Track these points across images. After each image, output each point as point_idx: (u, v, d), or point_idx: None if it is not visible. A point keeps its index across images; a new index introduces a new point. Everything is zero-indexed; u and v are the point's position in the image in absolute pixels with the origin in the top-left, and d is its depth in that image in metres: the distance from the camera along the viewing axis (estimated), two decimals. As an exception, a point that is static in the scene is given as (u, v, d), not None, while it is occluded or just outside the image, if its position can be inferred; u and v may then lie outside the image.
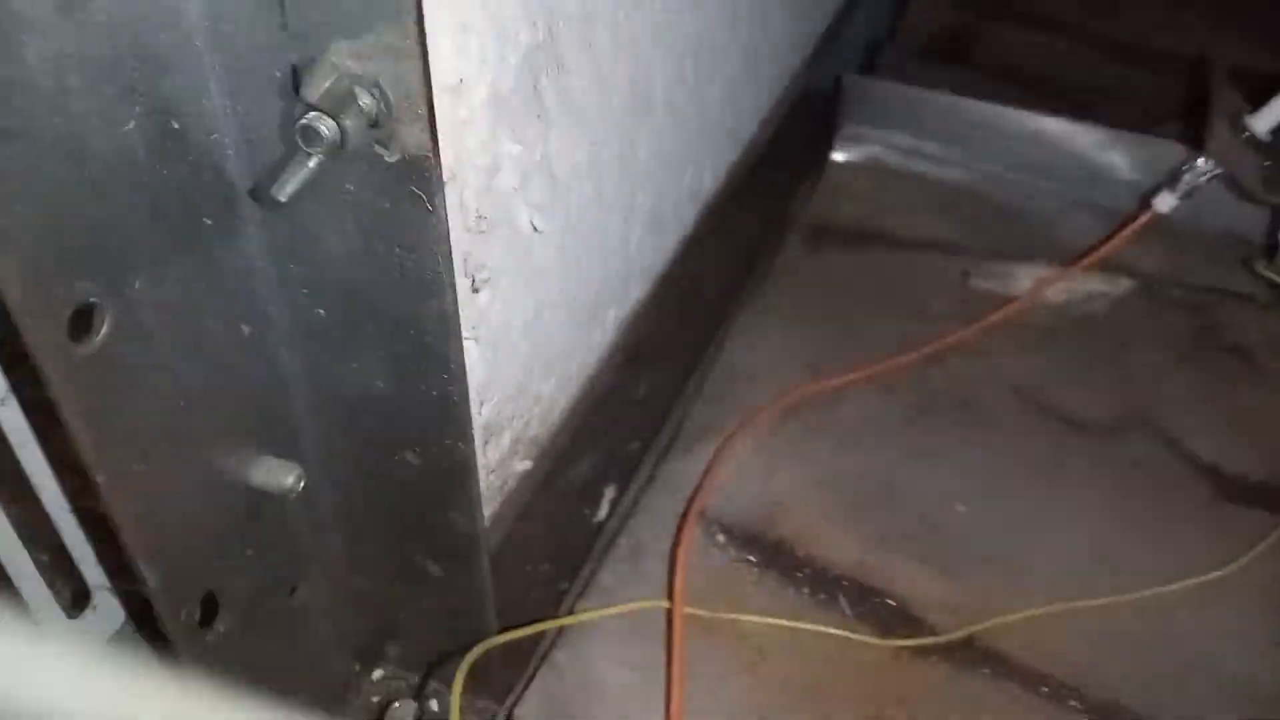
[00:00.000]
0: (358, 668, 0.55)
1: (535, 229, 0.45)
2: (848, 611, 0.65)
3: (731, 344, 0.83)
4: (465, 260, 0.40)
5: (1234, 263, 0.89)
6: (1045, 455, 0.75)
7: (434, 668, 0.56)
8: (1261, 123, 0.72)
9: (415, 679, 0.56)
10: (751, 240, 0.96)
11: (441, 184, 0.37)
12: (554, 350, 0.53)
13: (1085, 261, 0.83)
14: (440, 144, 0.36)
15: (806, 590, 0.66)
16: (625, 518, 0.70)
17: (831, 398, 0.78)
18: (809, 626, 0.63)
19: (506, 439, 0.51)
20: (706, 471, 0.71)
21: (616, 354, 0.64)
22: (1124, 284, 0.91)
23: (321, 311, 0.40)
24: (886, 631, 0.63)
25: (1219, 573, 0.67)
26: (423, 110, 0.34)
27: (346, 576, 0.54)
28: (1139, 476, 0.74)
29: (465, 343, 0.44)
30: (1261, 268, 0.83)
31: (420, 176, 0.36)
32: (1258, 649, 0.63)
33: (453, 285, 0.39)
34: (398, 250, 0.37)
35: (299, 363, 0.42)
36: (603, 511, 0.72)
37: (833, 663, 0.62)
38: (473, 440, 0.46)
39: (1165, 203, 0.75)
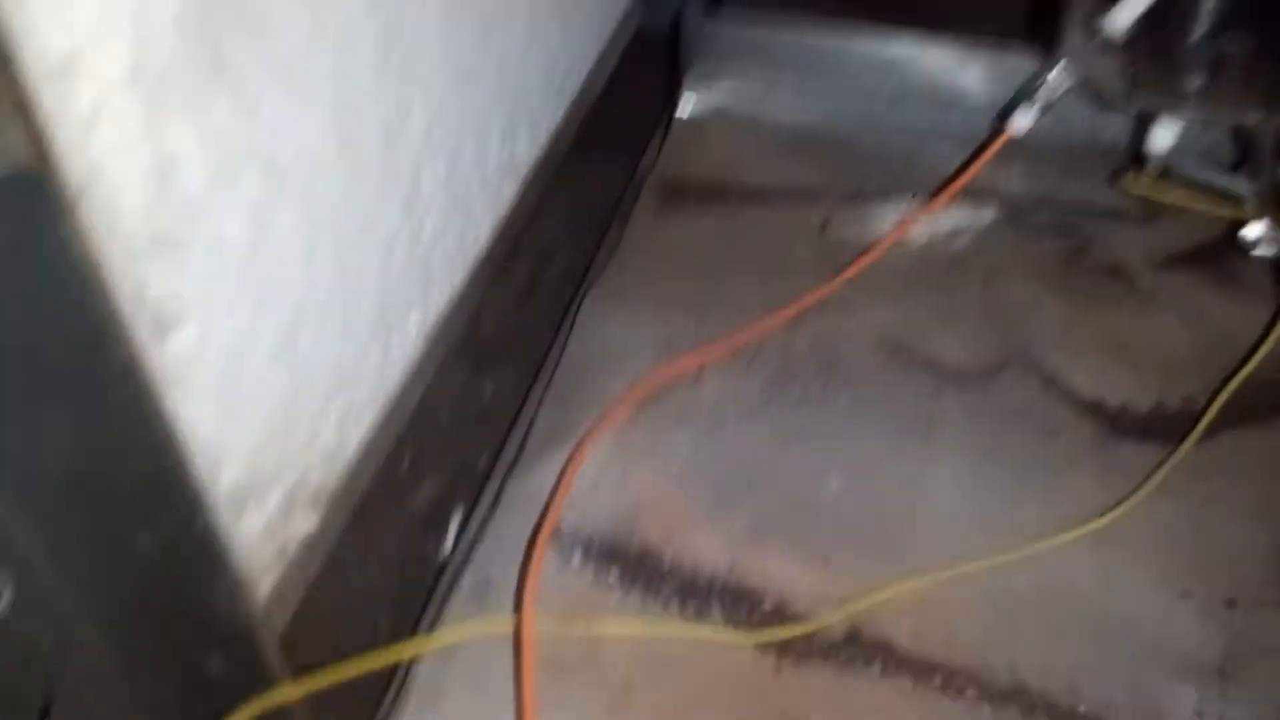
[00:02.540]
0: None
1: (253, 236, 0.36)
2: (722, 620, 0.58)
3: (579, 330, 0.76)
4: (140, 293, 0.32)
5: (1102, 178, 0.85)
6: (918, 413, 0.69)
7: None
8: (1116, 22, 0.66)
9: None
10: (593, 209, 0.88)
11: (72, 200, 0.28)
12: (326, 377, 0.45)
13: (945, 195, 0.77)
14: (60, 145, 0.27)
15: (676, 602, 0.59)
16: (470, 549, 0.62)
17: (690, 379, 0.72)
18: (680, 645, 0.57)
19: (275, 497, 0.43)
20: (557, 483, 0.64)
21: (429, 363, 0.56)
22: (989, 214, 0.86)
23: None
24: (766, 637, 0.57)
25: (1109, 516, 0.62)
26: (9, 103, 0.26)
27: (117, 683, 0.45)
28: (1019, 423, 0.69)
29: (174, 395, 0.35)
30: (1130, 181, 0.79)
31: (34, 195, 0.27)
32: (1160, 598, 0.59)
33: (125, 329, 0.31)
34: (36, 293, 0.29)
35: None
36: (447, 545, 0.64)
37: (709, 684, 0.56)
38: (213, 510, 0.38)
39: (1022, 121, 0.70)
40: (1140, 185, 0.76)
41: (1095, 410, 0.70)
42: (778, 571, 0.61)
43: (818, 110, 0.95)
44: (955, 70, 0.92)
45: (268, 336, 0.40)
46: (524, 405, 0.72)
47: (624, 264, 0.82)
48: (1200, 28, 0.63)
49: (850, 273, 0.78)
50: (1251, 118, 0.61)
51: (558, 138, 0.70)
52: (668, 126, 0.96)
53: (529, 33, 0.61)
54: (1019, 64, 0.87)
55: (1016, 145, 0.82)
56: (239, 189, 0.36)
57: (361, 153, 0.44)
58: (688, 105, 0.97)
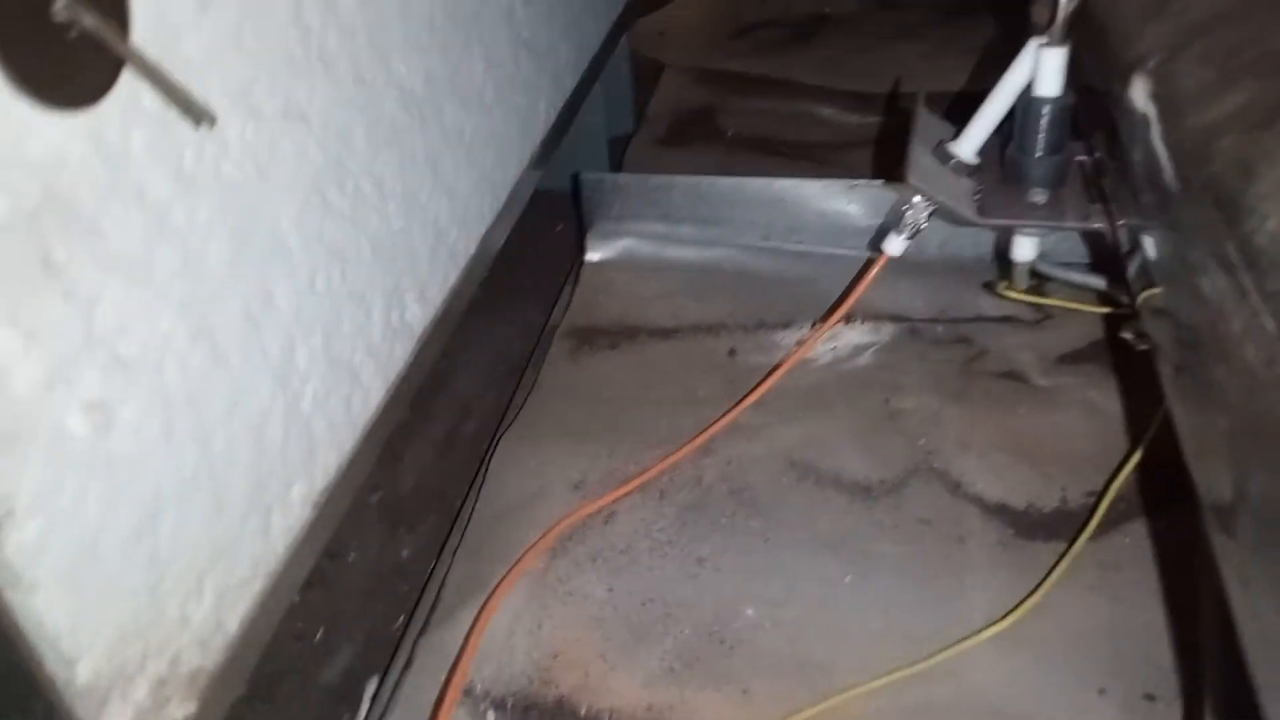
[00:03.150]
0: None
1: (96, 430, 0.37)
2: (641, 767, 0.57)
3: (493, 478, 0.76)
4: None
5: (994, 283, 0.89)
6: (830, 532, 0.70)
7: None
8: (964, 147, 0.71)
9: None
10: (503, 358, 0.91)
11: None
12: (196, 559, 0.45)
13: (835, 317, 0.80)
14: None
15: (593, 753, 0.58)
16: (382, 716, 0.61)
17: (602, 518, 0.72)
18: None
19: (143, 686, 0.43)
20: (468, 639, 0.64)
21: (321, 532, 0.56)
22: (887, 330, 0.89)
23: None
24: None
25: (1018, 617, 0.62)
26: None
27: None
28: (928, 532, 0.70)
29: (18, 591, 0.35)
30: (1003, 289, 0.83)
31: None
32: (1077, 696, 0.59)
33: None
34: None
35: None
36: (361, 715, 0.63)
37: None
38: (69, 705, 0.38)
39: (895, 245, 0.74)
40: (1016, 292, 0.80)
41: (1001, 512, 0.71)
42: (697, 709, 0.60)
43: (718, 248, 1.00)
44: (841, 201, 0.97)
45: (122, 524, 0.40)
46: (438, 560, 0.71)
47: (537, 408, 0.83)
48: (1041, 144, 0.67)
49: (756, 396, 0.80)
50: (1094, 225, 0.65)
51: (454, 297, 0.73)
52: (577, 274, 0.99)
53: (407, 208, 0.64)
54: (889, 191, 0.93)
55: (907, 261, 0.86)
56: (76, 386, 0.37)
57: (220, 337, 0.45)
58: (595, 253, 1.01)
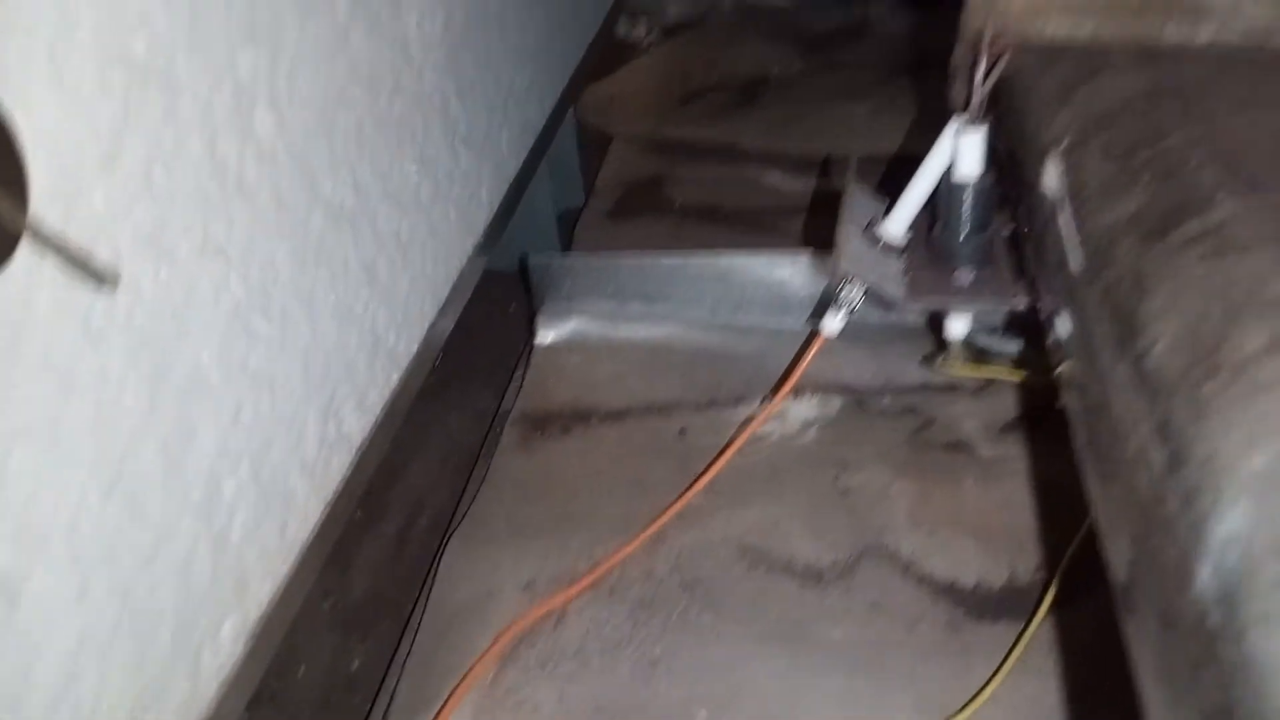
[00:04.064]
0: None
1: (8, 603, 0.37)
2: None
3: (441, 582, 0.75)
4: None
5: (932, 357, 0.89)
6: (781, 622, 0.70)
7: None
8: (893, 227, 0.72)
9: None
10: (451, 453, 0.90)
11: None
12: (122, 707, 0.44)
13: (781, 396, 0.80)
14: None
15: None
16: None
17: (553, 620, 0.71)
18: None
19: None
20: (417, 757, 0.62)
21: (255, 665, 0.55)
22: (835, 404, 0.90)
23: None
24: None
25: (974, 706, 0.62)
26: None
27: None
28: (880, 617, 0.70)
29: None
30: (939, 365, 0.83)
31: None
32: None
33: None
34: None
35: None
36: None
37: None
38: None
39: (832, 324, 0.74)
40: (952, 366, 0.81)
41: (950, 592, 0.71)
42: (650, 821, 0.59)
43: (668, 324, 1.00)
44: (786, 273, 0.98)
45: (42, 682, 0.39)
46: (388, 671, 0.70)
47: (487, 503, 0.83)
48: (965, 224, 0.68)
49: (706, 480, 0.80)
50: (1020, 304, 0.66)
51: (396, 398, 0.73)
52: (527, 359, 0.99)
53: (340, 321, 0.64)
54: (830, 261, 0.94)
55: (853, 328, 0.87)
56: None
57: (137, 487, 0.45)
58: (545, 334, 1.01)
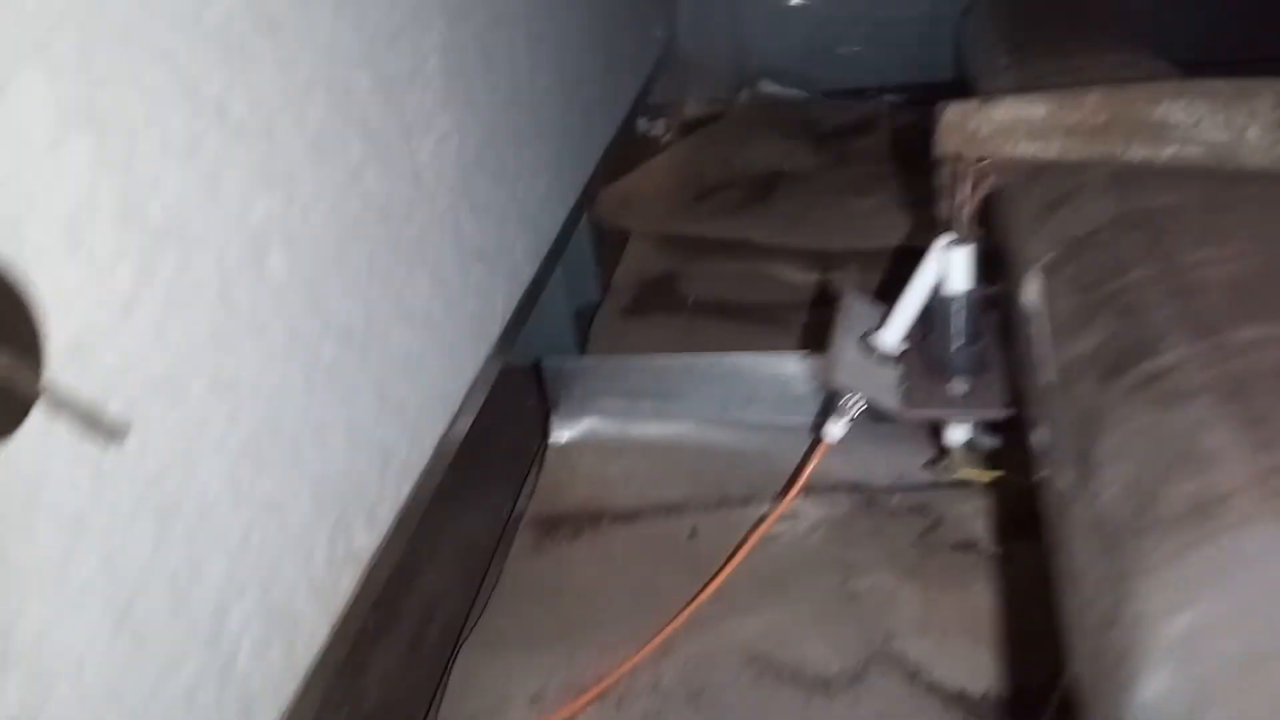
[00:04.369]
0: None
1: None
2: None
3: (453, 693, 0.76)
4: None
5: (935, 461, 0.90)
6: (788, 734, 0.69)
7: None
8: (888, 338, 0.74)
9: None
10: (464, 558, 0.92)
11: None
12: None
13: (788, 500, 0.81)
14: None
15: None
16: None
17: (560, 732, 0.72)
18: None
19: None
20: None
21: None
22: (844, 502, 0.90)
23: None
24: None
25: (985, 825, 0.61)
26: None
27: None
28: (888, 729, 0.69)
29: None
30: (940, 470, 0.84)
31: None
32: None
33: None
34: None
35: None
36: None
37: None
38: None
39: (835, 431, 0.75)
40: (955, 470, 0.81)
41: (959, 701, 0.70)
42: None
43: (680, 422, 1.02)
44: (794, 371, 0.99)
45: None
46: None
47: (499, 610, 0.84)
48: (958, 336, 0.70)
49: (715, 585, 0.81)
50: (1010, 413, 0.66)
51: (407, 511, 0.74)
52: (541, 458, 1.01)
53: (351, 440, 0.66)
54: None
55: (860, 430, 0.87)
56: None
57: (144, 622, 0.47)
58: (560, 434, 1.03)
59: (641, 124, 1.74)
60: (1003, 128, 0.59)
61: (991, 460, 0.77)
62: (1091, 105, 0.56)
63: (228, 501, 0.54)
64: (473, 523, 0.99)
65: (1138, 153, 0.54)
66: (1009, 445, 0.83)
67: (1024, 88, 0.91)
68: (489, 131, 0.90)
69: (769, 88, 1.78)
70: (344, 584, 0.66)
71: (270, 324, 0.57)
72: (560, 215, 1.12)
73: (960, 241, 0.68)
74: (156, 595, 0.48)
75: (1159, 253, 0.43)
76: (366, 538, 0.69)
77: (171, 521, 0.49)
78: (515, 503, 0.98)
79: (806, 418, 0.99)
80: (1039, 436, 0.53)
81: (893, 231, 1.27)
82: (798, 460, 0.95)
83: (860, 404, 0.73)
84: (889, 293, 1.03)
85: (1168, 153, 0.53)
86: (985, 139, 0.60)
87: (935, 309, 0.70)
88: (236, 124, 0.52)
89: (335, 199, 0.63)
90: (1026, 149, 0.58)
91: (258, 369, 0.56)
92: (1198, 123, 0.53)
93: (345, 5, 0.64)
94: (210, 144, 0.50)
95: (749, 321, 1.20)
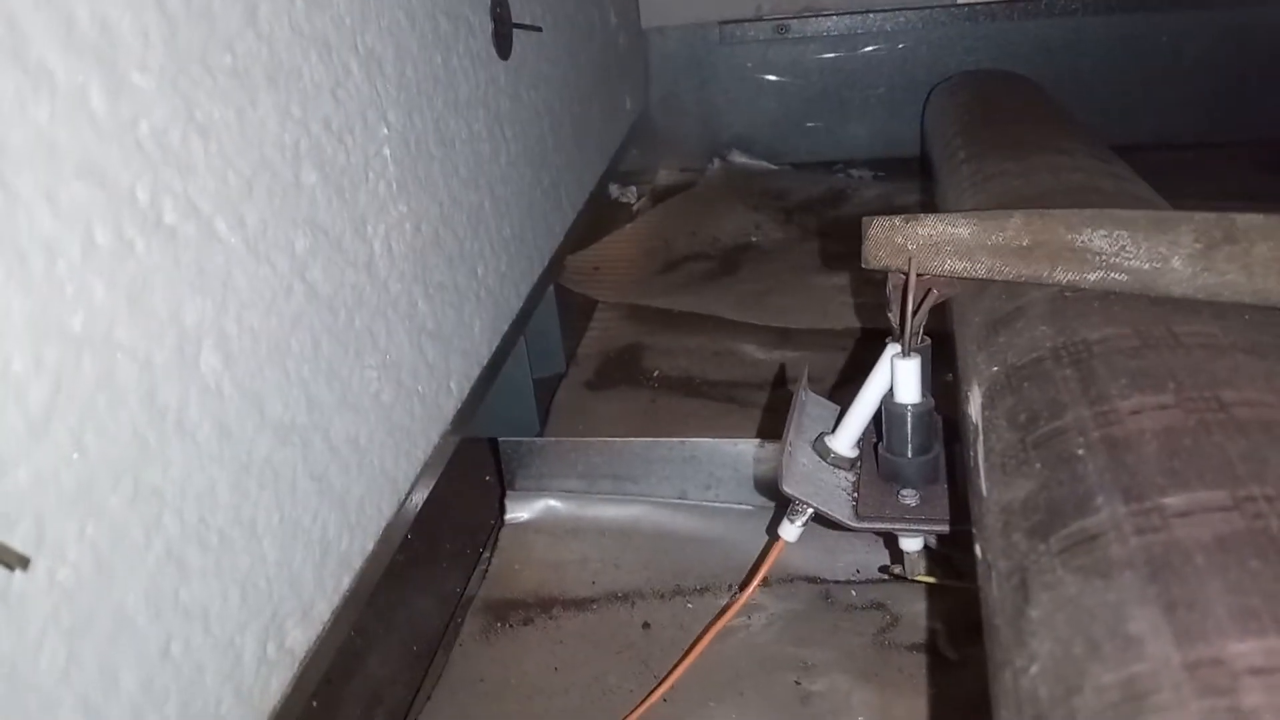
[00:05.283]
0: None
1: None
2: None
3: (389, 797, 0.73)
4: None
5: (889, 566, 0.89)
6: None
7: None
8: (840, 443, 0.73)
9: None
10: (414, 639, 0.89)
11: None
12: None
13: (742, 600, 0.80)
14: None
15: None
16: None
17: (497, 843, 0.69)
18: None
19: None
20: None
21: None
22: (803, 593, 0.89)
23: None
24: None
25: None
26: None
27: None
28: (835, 846, 0.67)
29: None
30: (896, 571, 0.83)
31: None
32: None
33: None
34: None
35: None
36: None
37: None
38: None
39: (790, 531, 0.74)
40: (913, 573, 0.80)
41: (910, 818, 0.68)
42: None
43: (636, 505, 1.01)
44: (753, 455, 0.98)
45: None
46: None
47: (443, 703, 0.81)
48: (907, 447, 0.69)
49: (669, 684, 0.79)
50: (956, 526, 0.66)
51: (346, 605, 0.72)
52: (495, 538, 0.99)
53: (285, 538, 0.64)
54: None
55: (820, 527, 0.86)
56: None
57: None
58: (515, 513, 1.02)
59: (613, 190, 1.75)
60: (929, 244, 0.59)
61: (947, 567, 0.76)
62: (1014, 228, 0.56)
63: (147, 614, 0.51)
64: (421, 606, 0.96)
65: (1064, 275, 0.54)
66: (967, 553, 0.83)
67: (979, 185, 0.92)
68: (446, 214, 0.89)
69: (739, 158, 1.80)
70: (274, 685, 0.64)
71: (200, 426, 0.56)
72: (524, 289, 1.11)
73: (907, 354, 0.67)
74: (66, 716, 0.46)
75: (1093, 394, 0.42)
76: (301, 635, 0.67)
77: (83, 639, 0.47)
78: (466, 585, 0.96)
79: (767, 502, 0.98)
80: (980, 571, 0.52)
81: (857, 312, 1.27)
82: (756, 548, 0.94)
83: (810, 513, 0.72)
84: (851, 375, 1.03)
85: (1093, 278, 0.53)
86: (914, 253, 0.60)
87: (886, 416, 0.69)
88: (168, 230, 0.51)
89: (276, 295, 0.62)
90: (954, 266, 0.58)
91: (183, 473, 0.54)
92: (1119, 250, 0.53)
93: (291, 104, 0.63)
94: (139, 251, 0.49)
95: (711, 398, 1.19)
